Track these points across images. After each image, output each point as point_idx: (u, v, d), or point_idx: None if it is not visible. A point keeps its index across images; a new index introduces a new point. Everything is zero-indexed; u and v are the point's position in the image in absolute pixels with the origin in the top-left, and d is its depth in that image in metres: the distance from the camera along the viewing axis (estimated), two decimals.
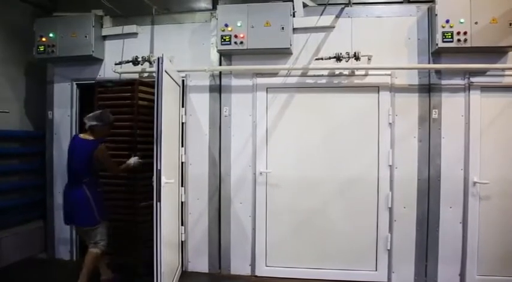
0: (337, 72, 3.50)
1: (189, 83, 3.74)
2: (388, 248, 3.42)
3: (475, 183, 3.28)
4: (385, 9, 3.49)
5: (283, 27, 3.36)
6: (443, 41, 3.16)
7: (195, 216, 3.72)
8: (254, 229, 3.61)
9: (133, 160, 3.34)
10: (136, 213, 3.52)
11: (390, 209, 3.42)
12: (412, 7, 3.45)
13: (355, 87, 3.49)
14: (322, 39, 3.53)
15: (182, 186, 3.67)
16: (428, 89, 3.39)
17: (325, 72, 3.51)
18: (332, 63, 3.41)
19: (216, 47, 3.52)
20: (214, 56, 3.69)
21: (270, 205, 3.60)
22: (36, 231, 4.11)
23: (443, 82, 3.37)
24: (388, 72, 3.42)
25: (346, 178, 3.50)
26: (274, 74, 3.59)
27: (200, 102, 3.72)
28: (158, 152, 2.68)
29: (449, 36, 3.14)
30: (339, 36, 3.50)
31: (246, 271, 3.63)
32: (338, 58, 3.36)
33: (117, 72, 3.72)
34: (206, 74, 3.67)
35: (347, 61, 3.39)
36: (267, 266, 3.60)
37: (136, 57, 3.65)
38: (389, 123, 3.42)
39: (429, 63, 3.38)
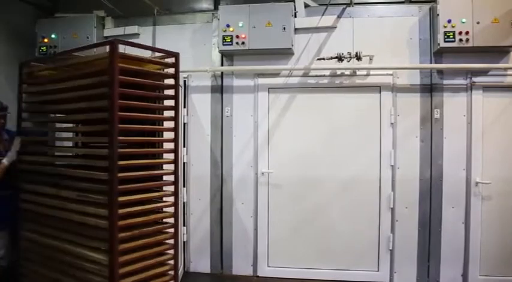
0: (338, 72, 3.50)
1: (191, 84, 3.74)
2: (390, 248, 3.42)
3: (477, 183, 3.28)
4: (387, 9, 3.49)
5: (284, 28, 3.36)
6: (445, 41, 3.15)
7: (196, 217, 3.72)
8: (256, 229, 3.61)
9: (7, 158, 2.67)
10: None
11: (392, 209, 3.42)
12: (414, 7, 3.44)
13: (357, 87, 3.49)
14: (324, 40, 3.53)
15: (184, 186, 3.67)
16: (430, 89, 3.38)
17: (327, 73, 3.51)
18: (334, 64, 3.41)
19: (218, 47, 3.52)
20: (216, 57, 3.70)
21: (271, 205, 3.60)
22: None
23: (445, 82, 3.36)
24: (390, 72, 3.41)
25: (348, 178, 3.50)
26: (275, 75, 3.59)
27: (202, 103, 3.72)
28: (159, 152, 2.68)
29: (451, 36, 3.14)
30: (340, 37, 3.49)
31: (248, 271, 3.62)
32: (340, 58, 3.36)
33: None
34: (208, 74, 3.67)
35: (349, 61, 3.39)
36: (269, 267, 3.60)
37: None
38: (391, 123, 3.42)
39: (431, 63, 3.38)
